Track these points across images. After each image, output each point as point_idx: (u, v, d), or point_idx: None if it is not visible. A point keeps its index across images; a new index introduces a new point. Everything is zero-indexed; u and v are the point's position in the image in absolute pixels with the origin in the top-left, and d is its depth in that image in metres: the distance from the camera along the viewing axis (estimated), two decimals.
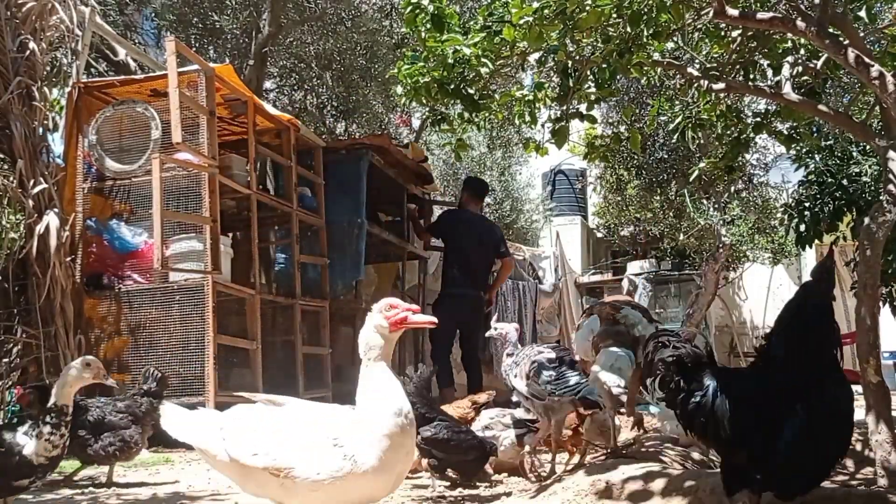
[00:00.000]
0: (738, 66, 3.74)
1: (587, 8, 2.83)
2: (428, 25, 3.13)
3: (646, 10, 2.88)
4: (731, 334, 12.17)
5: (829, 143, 5.16)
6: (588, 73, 3.27)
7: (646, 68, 3.54)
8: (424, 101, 3.30)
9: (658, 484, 2.80)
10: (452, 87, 3.17)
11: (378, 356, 2.24)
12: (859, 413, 2.62)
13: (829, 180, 5.03)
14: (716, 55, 3.85)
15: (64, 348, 4.90)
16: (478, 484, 3.82)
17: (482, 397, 4.49)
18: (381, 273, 8.22)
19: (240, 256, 5.83)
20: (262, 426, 2.25)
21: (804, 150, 4.89)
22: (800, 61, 3.64)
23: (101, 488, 3.79)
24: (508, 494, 3.48)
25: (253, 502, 3.37)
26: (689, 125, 3.92)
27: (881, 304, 4.42)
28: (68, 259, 5.10)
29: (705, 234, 9.19)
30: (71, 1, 5.36)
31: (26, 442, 2.75)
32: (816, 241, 5.18)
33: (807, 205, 5.09)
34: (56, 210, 4.99)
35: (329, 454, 2.11)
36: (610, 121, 9.31)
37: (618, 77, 3.37)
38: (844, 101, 5.45)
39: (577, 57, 3.22)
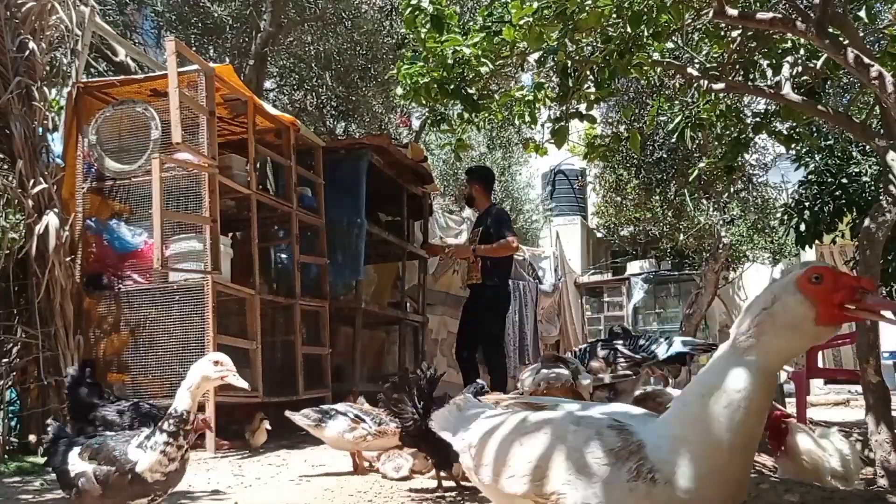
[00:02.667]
0: (738, 66, 3.74)
1: (587, 9, 2.84)
2: (427, 26, 3.13)
3: (646, 10, 2.88)
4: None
5: (828, 143, 5.16)
6: (588, 73, 3.28)
7: (646, 68, 3.55)
8: (424, 102, 3.30)
9: None
10: (452, 87, 3.18)
11: (766, 349, 1.45)
12: (859, 413, 2.61)
13: (829, 180, 5.04)
14: (716, 55, 3.86)
15: (64, 348, 4.89)
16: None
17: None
18: (381, 273, 8.22)
19: (239, 256, 5.82)
20: (518, 438, 1.67)
21: (804, 150, 4.90)
22: (800, 61, 3.65)
23: None
24: None
25: (254, 501, 3.37)
26: (689, 125, 3.92)
27: None
28: (68, 259, 5.10)
29: (705, 234, 9.19)
30: (71, 1, 5.36)
31: (139, 456, 2.33)
32: (816, 241, 5.19)
33: (807, 205, 5.09)
34: (56, 210, 4.98)
35: (617, 476, 1.44)
36: (609, 121, 9.31)
37: (617, 77, 3.37)
38: (844, 101, 5.45)
39: (577, 57, 3.22)
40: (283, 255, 6.75)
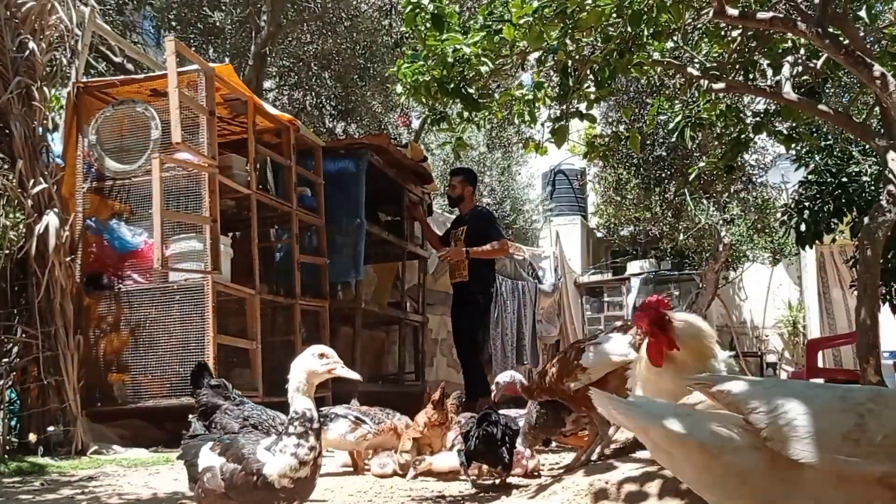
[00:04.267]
0: (738, 66, 3.74)
1: (587, 8, 2.84)
2: (428, 24, 3.13)
3: (646, 9, 2.88)
4: (731, 334, 12.18)
5: (828, 142, 5.16)
6: (588, 72, 3.28)
7: (646, 68, 3.55)
8: (424, 101, 3.30)
9: (656, 485, 2.80)
10: (452, 86, 3.18)
11: None
12: None
13: (829, 180, 5.04)
14: (716, 55, 3.86)
15: (64, 348, 4.89)
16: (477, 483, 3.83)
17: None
18: (381, 273, 8.21)
19: (240, 256, 5.82)
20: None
21: (804, 149, 4.90)
22: (800, 61, 3.65)
23: (100, 488, 3.79)
24: (508, 494, 3.47)
25: None
26: (689, 124, 3.92)
27: (881, 303, 4.43)
28: (68, 259, 5.09)
29: (705, 234, 9.20)
30: (71, 1, 5.35)
31: (268, 459, 2.13)
32: (816, 241, 5.18)
33: (807, 204, 5.09)
34: (56, 210, 4.98)
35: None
36: (609, 120, 9.31)
37: (618, 76, 3.37)
38: (844, 100, 5.45)
39: (577, 56, 3.22)
40: (278, 255, 6.75)
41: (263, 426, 3.22)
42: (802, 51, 3.65)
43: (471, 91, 3.23)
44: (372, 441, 4.06)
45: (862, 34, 3.33)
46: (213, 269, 5.11)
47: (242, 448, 2.21)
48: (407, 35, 7.46)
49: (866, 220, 3.30)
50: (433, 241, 7.22)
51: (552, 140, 3.44)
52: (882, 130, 3.44)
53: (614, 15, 2.93)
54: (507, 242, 6.62)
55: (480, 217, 6.60)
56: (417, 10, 3.12)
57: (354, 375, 2.35)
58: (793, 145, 4.30)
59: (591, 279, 13.37)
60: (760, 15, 3.07)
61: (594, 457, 3.50)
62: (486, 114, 3.53)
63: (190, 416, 2.70)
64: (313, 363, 2.28)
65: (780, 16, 3.05)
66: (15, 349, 5.01)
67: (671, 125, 4.10)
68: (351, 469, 4.22)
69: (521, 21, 2.92)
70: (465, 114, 3.37)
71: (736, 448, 1.55)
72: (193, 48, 7.25)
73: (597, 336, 3.54)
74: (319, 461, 2.18)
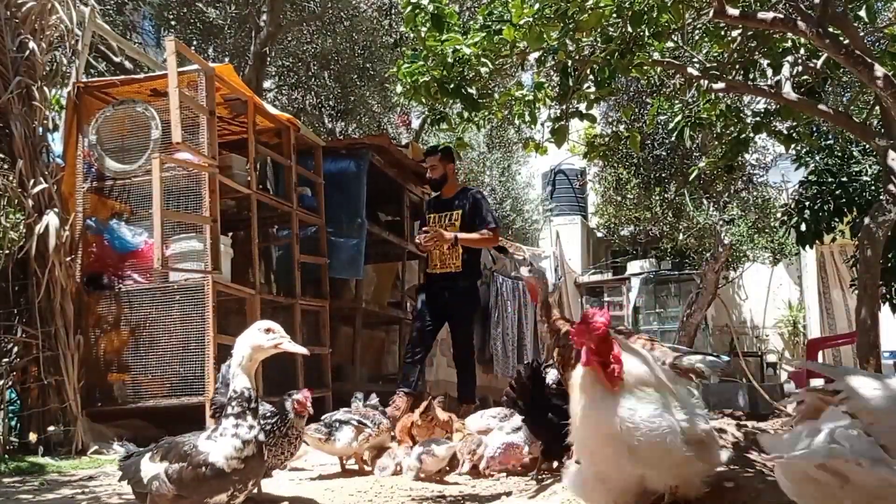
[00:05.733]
0: (738, 66, 3.74)
1: (588, 8, 2.84)
2: (428, 25, 3.13)
3: (646, 10, 2.88)
4: (731, 334, 12.18)
5: (829, 142, 5.16)
6: (588, 72, 3.28)
7: (646, 68, 3.55)
8: (424, 101, 3.30)
9: None
10: (452, 86, 3.17)
11: None
12: None
13: (830, 179, 5.03)
14: (716, 55, 3.85)
15: (64, 348, 4.89)
16: (476, 483, 3.83)
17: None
18: (381, 273, 8.21)
19: (240, 256, 5.82)
20: None
21: (804, 149, 4.90)
22: (800, 61, 3.65)
23: (100, 488, 3.79)
24: (508, 494, 3.47)
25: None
26: (689, 124, 3.92)
27: (881, 303, 4.43)
28: (68, 259, 5.09)
29: (705, 234, 9.19)
30: (71, 1, 5.35)
31: (211, 447, 2.13)
32: (817, 241, 5.18)
33: (807, 204, 5.09)
34: (56, 210, 4.98)
35: None
36: (609, 120, 9.31)
37: (618, 76, 3.37)
38: (844, 100, 5.45)
39: (577, 57, 3.22)
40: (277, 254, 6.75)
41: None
42: (802, 51, 3.65)
43: (471, 91, 3.23)
44: (372, 442, 4.08)
45: (862, 34, 3.32)
46: (213, 269, 5.11)
47: (183, 446, 2.20)
48: (406, 35, 7.46)
49: (866, 219, 3.30)
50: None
51: (552, 140, 3.44)
52: (882, 130, 3.45)
53: (614, 15, 2.93)
54: (498, 230, 5.81)
55: (477, 200, 5.77)
56: (417, 10, 3.12)
57: (302, 350, 2.32)
58: (793, 145, 4.30)
59: (591, 279, 13.37)
60: (761, 15, 3.07)
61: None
62: (486, 114, 3.53)
63: (116, 443, 2.65)
64: (259, 338, 2.24)
65: (780, 16, 3.05)
66: (15, 349, 5.02)
67: (671, 125, 4.10)
68: (344, 469, 4.22)
69: (522, 21, 2.92)
70: (465, 114, 3.37)
71: None
72: (193, 48, 7.25)
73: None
74: (262, 438, 2.16)
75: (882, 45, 3.81)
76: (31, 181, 4.92)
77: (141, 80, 5.72)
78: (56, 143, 5.56)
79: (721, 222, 8.20)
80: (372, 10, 9.55)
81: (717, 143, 4.60)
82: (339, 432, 3.95)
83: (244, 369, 2.19)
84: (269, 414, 3.33)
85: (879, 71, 2.82)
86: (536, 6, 2.87)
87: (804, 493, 1.53)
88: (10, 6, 5.00)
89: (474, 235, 5.61)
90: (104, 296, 5.34)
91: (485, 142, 12.37)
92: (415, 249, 7.55)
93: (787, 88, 3.46)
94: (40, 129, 5.12)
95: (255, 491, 2.67)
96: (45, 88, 5.18)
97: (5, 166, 4.99)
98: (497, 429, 4.07)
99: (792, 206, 5.30)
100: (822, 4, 2.94)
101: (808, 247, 5.33)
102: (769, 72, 3.81)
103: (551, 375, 3.60)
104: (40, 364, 4.84)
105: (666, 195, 9.11)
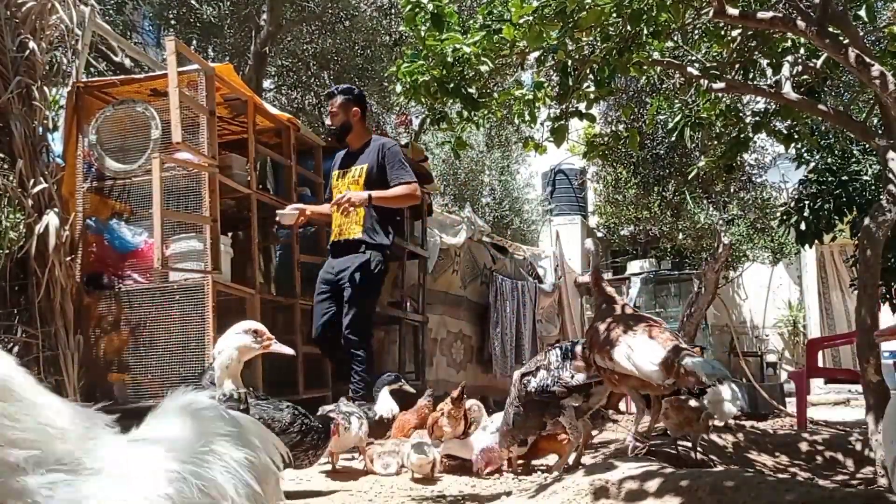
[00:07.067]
0: (737, 66, 3.74)
1: (587, 7, 2.84)
2: (427, 24, 3.13)
3: (646, 9, 2.88)
4: (731, 334, 12.19)
5: (828, 141, 5.16)
6: (588, 71, 3.28)
7: (645, 67, 3.55)
8: (424, 100, 3.30)
9: (656, 483, 2.80)
10: (452, 85, 3.18)
11: None
12: (859, 413, 2.62)
13: (829, 179, 5.03)
14: (715, 54, 3.86)
15: (64, 348, 4.89)
16: (476, 483, 3.83)
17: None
18: None
19: (239, 256, 5.82)
20: None
21: (804, 148, 4.89)
22: (800, 61, 3.65)
23: None
24: (508, 493, 3.47)
25: None
26: (688, 124, 3.92)
27: (881, 302, 4.43)
28: (68, 259, 5.10)
29: (704, 234, 9.20)
30: (71, 0, 5.36)
31: None
32: (816, 240, 5.18)
33: (807, 203, 5.09)
34: (56, 210, 4.98)
35: None
36: (609, 119, 9.32)
37: (617, 76, 3.37)
38: (844, 99, 5.45)
39: (577, 56, 3.22)
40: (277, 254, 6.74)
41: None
42: (802, 50, 3.65)
43: (470, 91, 3.23)
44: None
45: (862, 33, 3.32)
46: (213, 269, 5.11)
47: None
48: (406, 35, 7.46)
49: (866, 220, 3.30)
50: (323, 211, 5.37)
51: (552, 139, 3.44)
52: (882, 130, 3.45)
53: (614, 14, 2.93)
54: (416, 185, 5.02)
55: (385, 152, 5.00)
56: (417, 10, 3.12)
57: (289, 351, 2.31)
58: (792, 144, 4.30)
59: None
60: (760, 14, 3.07)
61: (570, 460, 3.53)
62: (486, 112, 3.53)
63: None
64: (245, 339, 2.22)
65: (781, 15, 3.05)
66: (15, 349, 5.02)
67: (670, 125, 4.11)
68: (346, 468, 4.22)
69: (521, 21, 2.92)
70: (465, 113, 3.37)
71: None
72: (193, 47, 7.25)
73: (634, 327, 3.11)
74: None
75: (882, 45, 3.81)
76: (31, 181, 4.92)
77: (141, 80, 5.72)
78: (56, 142, 5.56)
79: (721, 222, 8.20)
80: (371, 10, 9.55)
81: (716, 142, 4.60)
82: (352, 422, 3.97)
83: (230, 371, 2.17)
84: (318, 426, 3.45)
85: (878, 71, 2.82)
86: (535, 4, 2.87)
87: None
88: (10, 6, 5.00)
89: (389, 193, 4.91)
90: (104, 296, 5.34)
91: (484, 141, 12.37)
92: (415, 249, 7.57)
93: (786, 88, 3.47)
94: (40, 129, 5.12)
95: None
96: (45, 88, 5.18)
97: (5, 166, 5.00)
98: (481, 428, 4.08)
99: (792, 205, 5.30)
100: (822, 4, 2.94)
101: (807, 246, 5.33)
102: (769, 72, 3.81)
103: (533, 384, 3.61)
104: (40, 364, 4.84)
105: (665, 195, 9.12)
